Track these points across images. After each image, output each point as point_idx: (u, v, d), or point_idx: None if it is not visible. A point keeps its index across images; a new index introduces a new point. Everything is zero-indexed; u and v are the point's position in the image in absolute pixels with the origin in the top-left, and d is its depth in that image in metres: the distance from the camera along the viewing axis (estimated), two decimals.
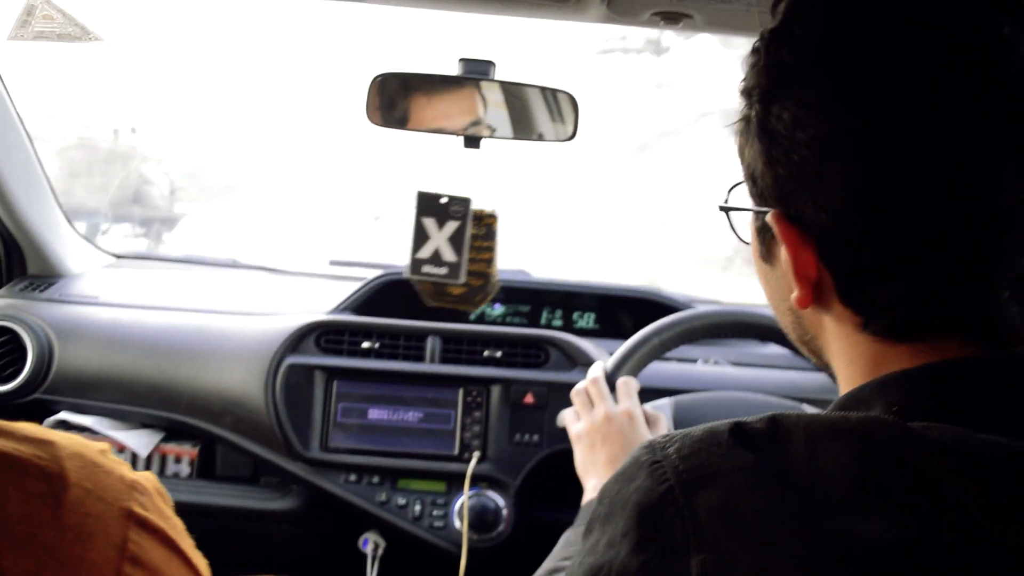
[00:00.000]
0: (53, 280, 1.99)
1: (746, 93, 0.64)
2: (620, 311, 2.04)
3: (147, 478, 0.58)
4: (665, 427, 1.28)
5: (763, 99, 0.62)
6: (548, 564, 1.04)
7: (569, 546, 1.07)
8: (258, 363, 1.66)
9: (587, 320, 2.06)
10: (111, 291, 1.96)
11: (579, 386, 1.31)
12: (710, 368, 1.80)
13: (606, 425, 1.22)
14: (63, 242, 2.05)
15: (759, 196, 0.65)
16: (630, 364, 1.39)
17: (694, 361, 1.83)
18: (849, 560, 0.49)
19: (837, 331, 0.64)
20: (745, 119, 0.64)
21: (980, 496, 0.50)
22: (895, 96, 0.56)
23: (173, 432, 1.75)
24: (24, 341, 1.73)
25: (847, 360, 0.64)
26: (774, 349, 1.92)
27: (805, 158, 0.59)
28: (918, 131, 0.55)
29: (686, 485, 0.54)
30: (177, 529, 0.58)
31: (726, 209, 0.75)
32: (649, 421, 1.27)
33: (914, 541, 0.49)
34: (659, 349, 1.41)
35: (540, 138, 1.43)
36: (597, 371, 1.32)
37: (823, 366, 0.70)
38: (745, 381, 1.75)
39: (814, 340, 0.68)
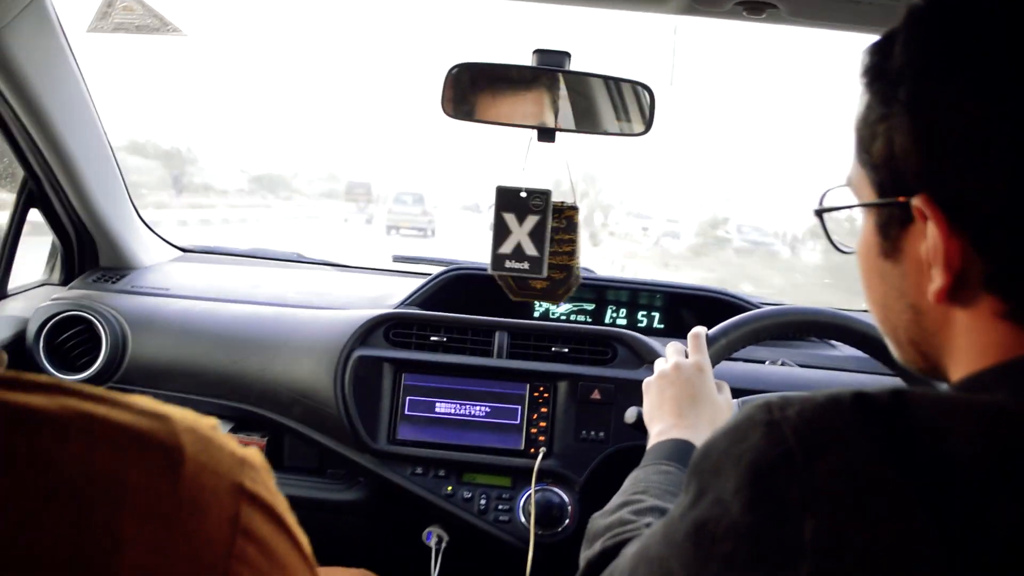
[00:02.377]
0: (125, 272, 2.03)
1: (890, 73, 0.61)
2: (686, 310, 2.02)
3: (255, 454, 0.58)
4: (728, 392, 1.27)
5: (918, 76, 0.60)
6: (618, 499, 1.04)
7: (638, 483, 1.05)
8: (328, 355, 1.67)
9: (652, 319, 2.05)
10: (181, 283, 1.99)
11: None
12: (778, 369, 1.78)
13: (675, 373, 1.22)
14: (135, 235, 2.09)
15: (894, 184, 0.62)
16: (730, 337, 1.38)
17: (762, 362, 1.81)
18: (973, 540, 0.48)
19: (969, 324, 0.62)
20: (883, 102, 0.62)
21: None
22: None
23: (242, 423, 1.78)
24: (99, 331, 1.77)
25: (977, 352, 0.61)
26: (842, 351, 1.90)
27: (967, 136, 0.57)
28: None
29: (806, 448, 0.54)
30: (283, 505, 0.58)
31: (824, 211, 0.74)
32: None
33: None
34: (759, 334, 1.40)
35: (615, 132, 1.42)
36: (697, 330, 1.31)
37: (925, 369, 0.68)
38: (813, 383, 1.73)
39: (932, 338, 0.65)
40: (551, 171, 1.48)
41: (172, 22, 1.58)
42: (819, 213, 0.74)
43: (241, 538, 0.52)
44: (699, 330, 1.32)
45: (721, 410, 1.21)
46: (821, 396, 0.56)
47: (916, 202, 0.60)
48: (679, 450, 1.11)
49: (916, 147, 0.60)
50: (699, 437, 1.14)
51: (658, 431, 1.17)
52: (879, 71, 0.63)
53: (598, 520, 1.01)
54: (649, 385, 1.26)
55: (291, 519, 0.59)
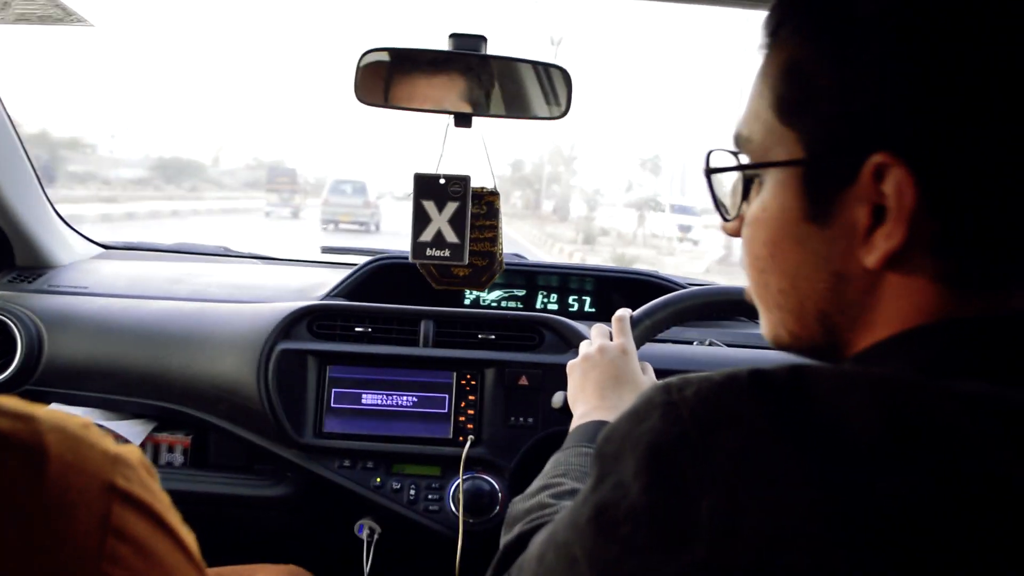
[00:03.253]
0: (41, 271, 1.97)
1: (862, 26, 0.59)
2: (617, 294, 2.03)
3: (131, 451, 0.57)
4: (652, 373, 1.27)
5: (896, 30, 0.58)
6: (538, 482, 1.04)
7: (558, 466, 1.06)
8: (250, 350, 1.64)
9: (583, 303, 2.05)
10: (100, 281, 1.94)
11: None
12: (706, 349, 1.79)
13: (598, 356, 1.23)
14: (51, 233, 2.03)
15: (850, 140, 0.60)
16: (655, 319, 1.38)
17: (690, 343, 1.82)
18: (866, 510, 0.48)
19: (900, 288, 0.60)
20: (842, 57, 0.59)
21: (1008, 454, 0.49)
22: None
23: (166, 421, 1.74)
24: (13, 333, 1.72)
25: (899, 318, 0.60)
26: None
27: (938, 85, 0.56)
28: None
29: (703, 427, 0.53)
30: (163, 503, 0.57)
31: (715, 171, 0.72)
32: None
33: (935, 496, 0.48)
34: (684, 314, 1.40)
35: (532, 116, 1.41)
36: (621, 313, 1.31)
37: (821, 346, 0.67)
38: (741, 362, 1.73)
39: (848, 309, 0.63)
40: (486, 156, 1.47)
41: (76, 11, 1.53)
42: (708, 174, 0.72)
43: (113, 538, 0.51)
44: (623, 312, 1.32)
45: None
46: (718, 375, 0.56)
47: (878, 159, 0.58)
48: (599, 432, 1.10)
49: (884, 102, 0.58)
50: None
51: (580, 413, 1.18)
52: (833, 21, 0.60)
53: (518, 504, 1.01)
54: (573, 368, 1.26)
55: (173, 517, 0.57)
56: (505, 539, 0.94)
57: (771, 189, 0.66)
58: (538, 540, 0.73)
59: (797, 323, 0.68)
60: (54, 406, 1.70)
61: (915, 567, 0.47)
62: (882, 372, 0.54)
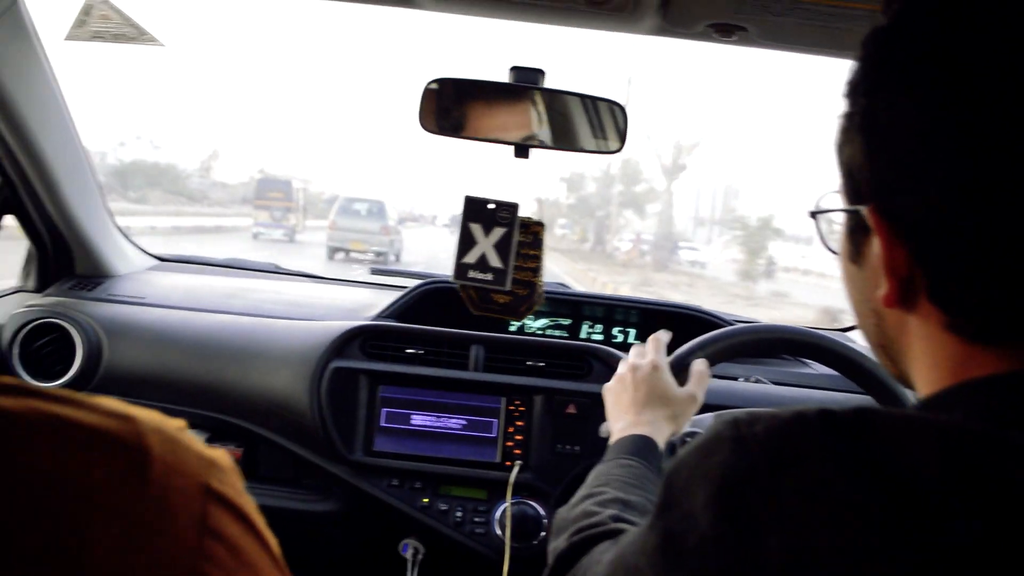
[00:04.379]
0: (100, 280, 2.02)
1: (852, 88, 0.64)
2: (661, 326, 2.04)
3: (223, 455, 0.58)
4: (695, 384, 1.30)
5: (870, 92, 0.62)
6: (582, 492, 1.07)
7: (600, 476, 1.09)
8: (304, 366, 1.67)
9: (628, 335, 2.06)
10: (157, 292, 1.98)
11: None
12: (752, 386, 1.80)
13: (631, 374, 1.28)
14: (110, 243, 2.08)
15: (855, 193, 0.65)
16: (705, 353, 1.40)
17: (735, 379, 1.83)
18: (935, 561, 0.49)
19: (922, 332, 0.63)
20: (848, 115, 0.64)
21: None
22: (1008, 92, 0.56)
23: (217, 432, 1.77)
24: (73, 338, 1.76)
25: (930, 363, 0.63)
26: (815, 369, 1.92)
27: (910, 150, 0.59)
28: None
29: (773, 464, 0.55)
30: (251, 506, 0.58)
31: (815, 213, 0.75)
32: (690, 375, 1.32)
33: (997, 547, 0.49)
34: (732, 351, 1.42)
35: (591, 149, 1.44)
36: (658, 357, 1.32)
37: (898, 374, 0.70)
38: (787, 400, 1.75)
39: (893, 343, 0.68)
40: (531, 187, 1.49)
41: (148, 31, 1.58)
42: (813, 215, 0.76)
43: (209, 539, 0.52)
44: (660, 333, 1.36)
45: (681, 403, 1.26)
46: (787, 413, 0.57)
47: (864, 212, 0.63)
48: (639, 445, 1.15)
49: (866, 160, 0.62)
50: (659, 432, 1.19)
51: (619, 429, 1.21)
52: (849, 85, 0.65)
53: (563, 513, 1.04)
54: (608, 389, 1.31)
55: (260, 520, 0.59)
56: (554, 546, 0.97)
57: (841, 233, 0.70)
58: (604, 560, 0.75)
59: (873, 352, 0.73)
60: None
61: None
62: (949, 420, 0.55)
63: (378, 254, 20.71)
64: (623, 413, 1.24)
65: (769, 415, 0.58)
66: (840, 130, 0.66)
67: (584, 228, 43.82)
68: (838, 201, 0.70)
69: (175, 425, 0.56)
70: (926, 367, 0.64)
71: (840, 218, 0.70)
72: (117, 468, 0.50)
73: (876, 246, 0.63)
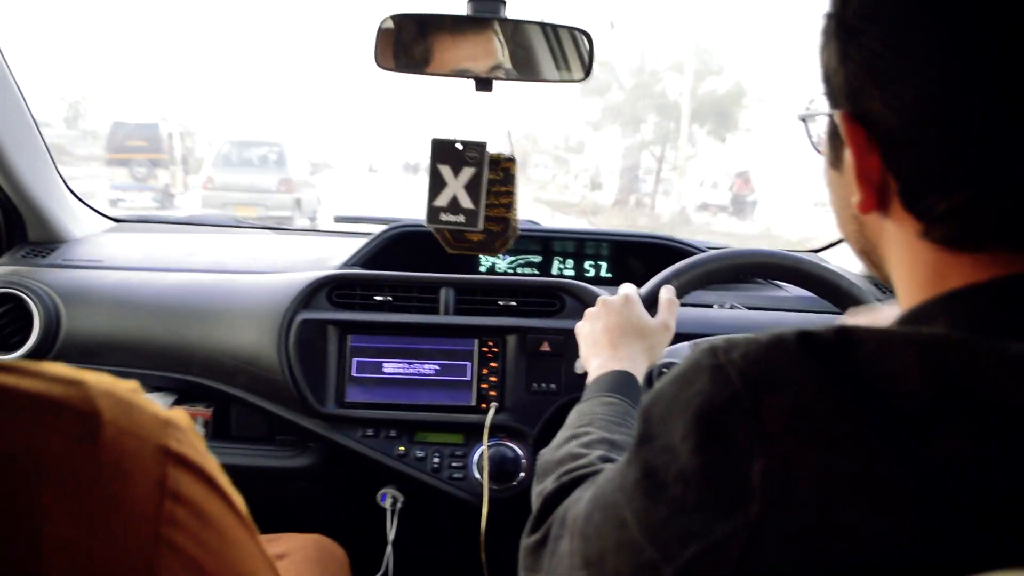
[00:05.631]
0: (55, 246, 1.96)
1: None
2: (633, 258, 2.02)
3: (180, 415, 0.57)
4: (667, 313, 1.28)
5: (842, 2, 0.60)
6: (564, 433, 1.05)
7: (582, 416, 1.06)
8: (270, 320, 1.63)
9: (600, 268, 2.04)
10: (115, 254, 1.93)
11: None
12: (727, 312, 1.79)
13: (602, 309, 1.26)
14: (63, 207, 2.02)
15: (831, 98, 0.63)
16: (679, 281, 1.38)
17: (709, 306, 1.82)
18: (921, 475, 0.48)
19: (898, 238, 0.62)
20: (827, 16, 0.62)
21: None
22: None
23: (186, 394, 1.74)
24: (30, 307, 1.71)
25: (908, 270, 0.62)
26: (790, 292, 1.91)
27: (878, 53, 0.57)
28: (998, 28, 0.53)
29: (753, 389, 0.53)
30: (213, 465, 0.57)
31: (803, 118, 0.74)
32: (660, 304, 1.30)
33: (988, 458, 0.48)
34: (705, 278, 1.40)
35: (555, 79, 1.39)
36: (628, 290, 1.31)
37: (883, 279, 0.69)
38: (763, 324, 1.73)
39: (875, 250, 0.66)
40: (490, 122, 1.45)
41: None
42: (803, 119, 0.75)
43: (170, 501, 0.51)
44: (627, 287, 1.33)
45: (655, 334, 1.25)
46: (765, 337, 0.56)
47: (836, 118, 0.62)
48: (619, 381, 1.13)
49: (839, 64, 0.61)
50: (637, 366, 1.17)
51: (596, 365, 1.19)
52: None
53: (547, 455, 1.02)
54: (581, 328, 1.28)
55: (223, 479, 0.58)
56: (540, 488, 0.94)
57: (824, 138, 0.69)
58: (584, 497, 0.74)
59: (859, 259, 0.72)
60: None
61: (967, 528, 0.48)
62: (930, 333, 0.54)
63: (278, 220, 12.77)
64: (600, 349, 1.22)
65: (747, 340, 0.57)
66: (821, 32, 0.64)
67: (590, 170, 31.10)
68: (824, 105, 0.68)
69: (127, 387, 0.54)
70: (905, 275, 0.63)
71: (824, 122, 0.68)
72: (68, 435, 0.49)
73: (847, 153, 0.61)
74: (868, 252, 0.68)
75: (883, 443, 0.49)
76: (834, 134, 0.65)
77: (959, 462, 0.48)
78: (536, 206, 22.10)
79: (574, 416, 1.09)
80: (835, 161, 0.66)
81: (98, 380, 0.52)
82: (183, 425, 0.56)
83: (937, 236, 0.59)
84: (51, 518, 0.46)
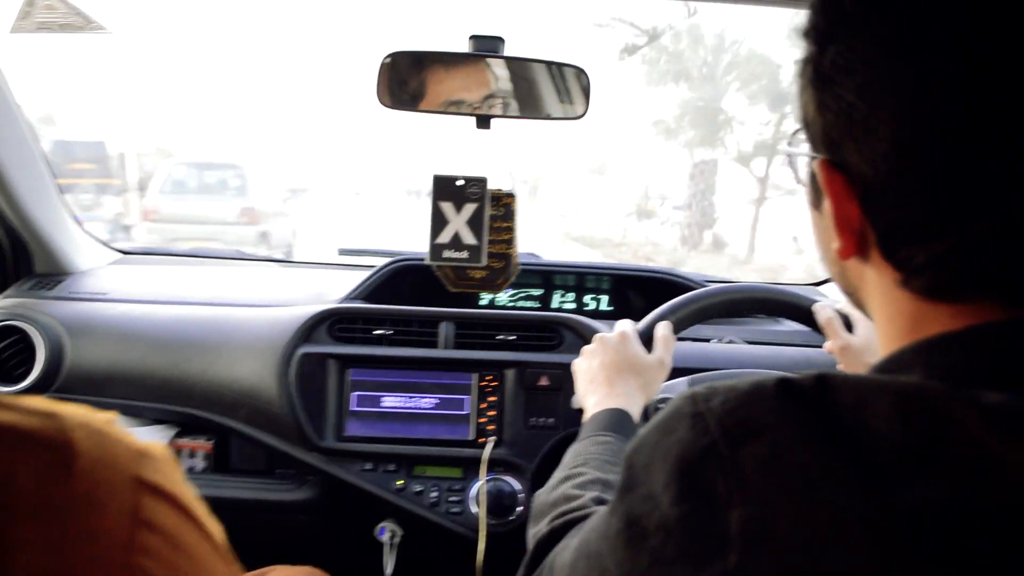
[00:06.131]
0: (61, 278, 1.98)
1: (806, 34, 0.62)
2: (633, 292, 2.02)
3: (156, 446, 0.57)
4: (662, 349, 1.28)
5: (819, 40, 0.60)
6: (560, 473, 1.05)
7: (578, 456, 1.07)
8: (271, 353, 1.64)
9: (600, 302, 2.05)
10: (120, 287, 1.95)
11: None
12: (725, 347, 1.79)
13: (599, 347, 1.26)
14: (69, 239, 2.04)
15: (811, 143, 0.64)
16: (675, 317, 1.37)
17: (708, 340, 1.82)
18: (896, 521, 0.48)
19: (878, 285, 0.63)
20: (803, 61, 0.62)
21: None
22: (947, 44, 0.54)
23: (187, 427, 1.75)
24: (34, 340, 1.72)
25: (888, 316, 0.63)
26: (788, 326, 1.91)
27: (854, 105, 0.57)
28: (970, 81, 0.53)
29: (731, 438, 0.54)
30: (190, 495, 0.58)
31: (787, 153, 0.74)
32: (655, 340, 1.29)
33: (963, 507, 0.48)
34: (703, 313, 1.39)
35: (552, 116, 1.41)
36: (624, 326, 1.31)
37: (869, 316, 0.69)
38: (761, 359, 1.73)
39: (857, 292, 0.67)
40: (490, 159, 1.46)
41: (95, 19, 1.54)
42: (786, 154, 0.75)
43: (143, 531, 0.51)
44: (624, 323, 1.32)
45: (651, 370, 1.25)
46: (745, 384, 0.56)
47: (815, 165, 0.62)
48: (615, 419, 1.13)
49: (816, 113, 0.61)
50: (633, 403, 1.18)
51: (593, 403, 1.19)
52: (803, 32, 0.63)
53: (542, 496, 1.02)
54: (577, 365, 1.29)
55: (199, 509, 0.58)
56: (534, 532, 0.95)
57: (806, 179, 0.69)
58: (570, 546, 0.74)
59: (848, 300, 0.72)
60: None
61: (943, 575, 0.48)
62: (906, 381, 0.55)
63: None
64: (596, 387, 1.22)
65: (727, 387, 0.57)
66: (797, 76, 0.64)
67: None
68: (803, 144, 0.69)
69: (103, 419, 0.55)
70: (886, 321, 0.63)
71: (805, 162, 0.68)
72: (42, 466, 0.49)
73: (826, 200, 0.62)
74: (851, 293, 0.69)
75: (860, 491, 0.50)
76: (815, 177, 0.65)
77: (935, 510, 0.48)
78: (567, 242, 18.67)
79: (569, 456, 1.09)
80: (816, 203, 0.66)
81: (73, 412, 0.53)
82: (159, 455, 0.56)
83: (916, 286, 0.59)
84: (24, 550, 0.46)
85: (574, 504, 0.94)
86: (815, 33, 0.61)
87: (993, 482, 0.49)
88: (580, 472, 1.01)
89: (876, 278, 0.63)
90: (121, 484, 0.52)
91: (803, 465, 0.51)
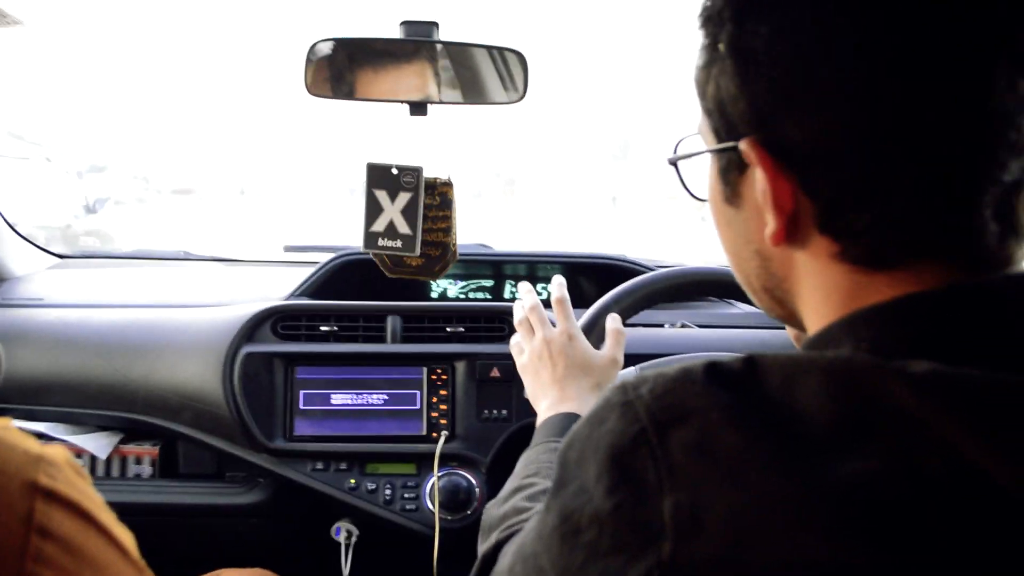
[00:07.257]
0: None
1: (714, 16, 0.60)
2: (585, 279, 2.00)
3: (56, 451, 0.57)
4: (612, 344, 1.24)
5: (737, 17, 0.58)
6: (511, 484, 1.03)
7: (529, 465, 1.05)
8: (213, 355, 1.60)
9: None
10: (57, 292, 1.90)
11: (519, 317, 1.26)
12: (677, 331, 1.78)
13: (546, 348, 1.20)
14: (3, 245, 1.98)
15: (728, 129, 0.61)
16: (622, 304, 1.34)
17: (660, 326, 1.81)
18: (828, 498, 0.48)
19: (811, 267, 0.61)
20: (711, 46, 0.60)
21: (960, 429, 0.48)
22: (878, 4, 0.53)
23: (132, 433, 1.70)
24: None
25: (822, 296, 0.61)
26: (741, 309, 1.91)
27: (785, 73, 0.56)
28: (904, 37, 0.53)
29: (659, 425, 0.53)
30: (94, 501, 0.57)
31: (677, 159, 0.72)
32: (606, 335, 1.25)
33: (894, 477, 0.48)
34: (652, 298, 1.37)
35: (489, 101, 1.38)
36: (533, 299, 1.26)
37: (784, 316, 0.68)
38: (714, 342, 1.72)
39: (781, 284, 0.65)
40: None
41: (11, 13, 1.48)
42: (673, 163, 0.73)
43: (37, 537, 0.51)
44: (561, 294, 1.27)
45: (602, 369, 1.20)
46: (672, 370, 0.55)
47: (743, 146, 0.59)
48: (566, 424, 1.09)
49: (740, 91, 0.59)
50: (585, 405, 1.13)
51: (544, 408, 1.16)
52: (708, 14, 0.61)
53: (492, 510, 1.00)
54: (524, 367, 1.23)
55: (105, 516, 0.57)
56: (482, 548, 0.93)
57: (709, 175, 0.68)
58: (509, 551, 0.72)
59: (755, 297, 0.70)
60: (15, 423, 1.65)
61: (878, 551, 0.47)
62: (834, 356, 0.54)
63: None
64: (547, 390, 1.18)
65: (656, 374, 0.56)
66: (702, 65, 0.62)
67: None
68: (700, 143, 0.66)
69: None
70: (817, 302, 0.61)
71: (707, 160, 0.66)
72: None
73: (757, 183, 0.59)
74: (771, 288, 0.66)
75: (790, 471, 0.49)
76: (728, 168, 0.63)
77: (866, 483, 0.48)
78: None
79: (521, 464, 1.07)
80: (731, 197, 0.65)
81: None
82: (58, 461, 0.55)
83: (854, 255, 0.58)
84: None
85: (524, 517, 0.92)
86: (730, 10, 0.59)
87: (923, 451, 0.48)
88: (531, 483, 1.00)
89: (808, 259, 0.61)
90: (14, 489, 0.51)
91: (731, 448, 0.50)
